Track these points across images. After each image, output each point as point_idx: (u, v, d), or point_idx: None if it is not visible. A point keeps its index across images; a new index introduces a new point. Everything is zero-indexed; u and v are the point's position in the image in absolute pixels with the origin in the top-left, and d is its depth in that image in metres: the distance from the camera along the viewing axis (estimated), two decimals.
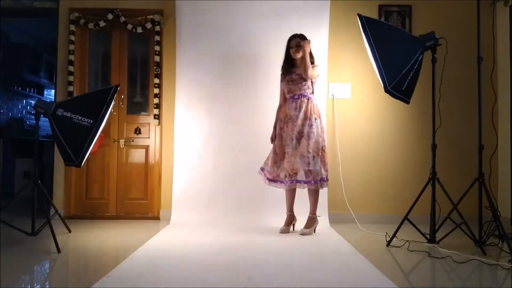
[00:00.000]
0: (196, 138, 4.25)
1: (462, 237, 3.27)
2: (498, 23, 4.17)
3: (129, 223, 4.15)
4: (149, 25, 4.33)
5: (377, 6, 4.35)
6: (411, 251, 3.07)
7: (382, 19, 4.29)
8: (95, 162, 4.42)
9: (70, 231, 3.60)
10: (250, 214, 4.04)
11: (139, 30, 4.33)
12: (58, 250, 2.93)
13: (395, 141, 4.34)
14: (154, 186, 4.40)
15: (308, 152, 3.53)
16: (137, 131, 4.48)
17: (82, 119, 3.06)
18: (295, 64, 3.71)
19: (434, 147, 3.33)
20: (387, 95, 3.27)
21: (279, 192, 3.83)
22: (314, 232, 3.65)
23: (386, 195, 4.29)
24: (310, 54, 3.66)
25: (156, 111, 4.35)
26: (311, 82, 3.67)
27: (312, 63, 3.68)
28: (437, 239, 3.30)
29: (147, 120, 4.48)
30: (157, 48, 4.34)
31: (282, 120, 3.69)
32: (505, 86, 4.03)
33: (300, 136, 3.56)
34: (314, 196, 3.64)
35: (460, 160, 4.25)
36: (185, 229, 3.78)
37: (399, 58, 3.24)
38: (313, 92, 3.69)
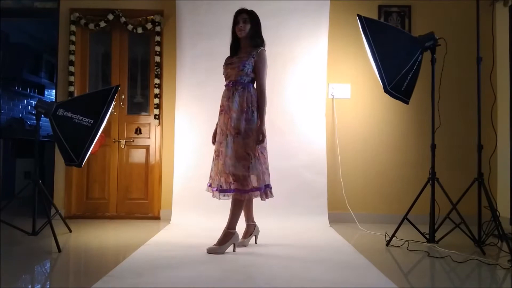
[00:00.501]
0: (197, 138, 4.25)
1: (461, 237, 3.28)
2: (498, 23, 4.17)
3: (130, 223, 4.16)
4: (149, 26, 4.34)
5: (377, 7, 4.35)
6: (410, 250, 3.08)
7: (382, 20, 4.30)
8: (95, 162, 4.43)
9: (70, 231, 3.61)
10: None
11: (140, 30, 4.34)
12: (59, 250, 2.94)
13: (395, 141, 4.35)
14: (155, 186, 4.41)
15: (247, 153, 2.93)
16: (138, 131, 4.49)
17: (83, 119, 3.07)
18: (240, 45, 3.13)
19: (433, 147, 3.34)
20: (387, 95, 3.28)
21: (280, 192, 3.82)
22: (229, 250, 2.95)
23: (386, 195, 4.30)
24: (259, 34, 3.11)
25: (156, 111, 4.36)
26: (256, 70, 3.04)
27: (259, 45, 3.08)
28: (436, 238, 3.30)
29: (147, 120, 4.49)
30: (157, 48, 4.35)
31: (219, 112, 3.11)
32: (504, 86, 4.04)
33: (236, 132, 2.94)
34: (233, 206, 2.96)
35: (459, 160, 4.26)
36: (185, 229, 3.79)
37: (398, 59, 3.25)
38: (252, 81, 3.07)
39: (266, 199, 3.06)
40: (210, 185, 3.10)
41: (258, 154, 3.01)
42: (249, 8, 3.10)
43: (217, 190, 3.02)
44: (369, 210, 4.28)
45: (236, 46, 3.14)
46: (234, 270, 2.53)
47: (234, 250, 2.95)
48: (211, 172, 3.09)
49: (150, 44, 4.49)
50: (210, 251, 2.87)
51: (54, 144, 4.24)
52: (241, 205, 2.98)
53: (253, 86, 3.10)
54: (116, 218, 4.35)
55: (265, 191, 3.03)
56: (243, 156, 2.92)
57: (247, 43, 3.09)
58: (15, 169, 5.69)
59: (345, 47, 4.36)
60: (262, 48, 3.10)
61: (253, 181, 2.96)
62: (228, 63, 3.13)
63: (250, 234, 3.19)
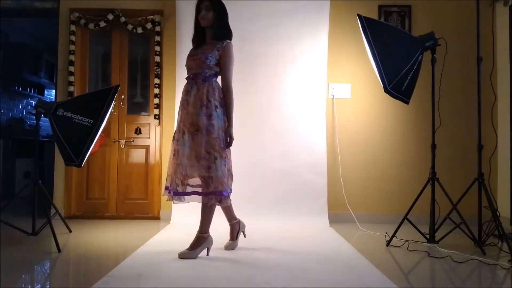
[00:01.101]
0: None
1: (461, 237, 3.27)
2: (498, 23, 4.17)
3: (129, 223, 4.16)
4: (149, 26, 4.34)
5: (377, 6, 4.35)
6: (410, 250, 3.08)
7: (382, 20, 4.30)
8: (95, 162, 4.43)
9: (70, 231, 3.60)
10: (250, 214, 4.03)
11: (140, 30, 4.34)
12: (59, 250, 2.94)
13: (395, 141, 4.35)
14: (154, 186, 4.41)
15: (207, 152, 2.69)
16: (138, 131, 4.48)
17: (83, 119, 3.07)
18: (205, 36, 2.91)
19: (433, 147, 3.34)
20: (387, 95, 3.28)
21: (280, 192, 3.81)
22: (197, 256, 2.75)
23: (386, 195, 4.30)
24: (224, 24, 2.87)
25: (156, 111, 4.36)
26: (221, 65, 2.80)
27: (225, 37, 2.85)
28: (436, 239, 3.30)
29: (147, 120, 4.48)
30: (157, 48, 4.35)
31: (179, 108, 2.87)
32: (504, 86, 4.04)
33: (195, 129, 2.71)
34: (205, 211, 2.79)
35: (459, 160, 4.25)
36: (186, 229, 3.78)
37: (398, 59, 3.25)
38: (216, 75, 2.83)
39: (221, 205, 2.81)
40: (166, 188, 2.86)
41: (226, 156, 2.77)
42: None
43: (170, 192, 2.79)
44: (369, 210, 4.28)
45: (200, 37, 2.91)
46: (234, 270, 2.53)
47: (207, 254, 2.79)
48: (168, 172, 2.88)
49: (150, 44, 4.48)
50: (182, 255, 2.69)
51: (54, 144, 4.24)
52: (210, 208, 2.78)
53: (216, 80, 2.84)
54: (116, 218, 4.35)
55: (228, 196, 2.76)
56: (203, 155, 2.69)
57: (211, 34, 2.87)
58: (15, 169, 5.69)
59: (345, 47, 4.36)
60: (228, 41, 2.85)
61: (218, 184, 2.70)
62: (190, 55, 2.89)
63: (237, 233, 3.05)
